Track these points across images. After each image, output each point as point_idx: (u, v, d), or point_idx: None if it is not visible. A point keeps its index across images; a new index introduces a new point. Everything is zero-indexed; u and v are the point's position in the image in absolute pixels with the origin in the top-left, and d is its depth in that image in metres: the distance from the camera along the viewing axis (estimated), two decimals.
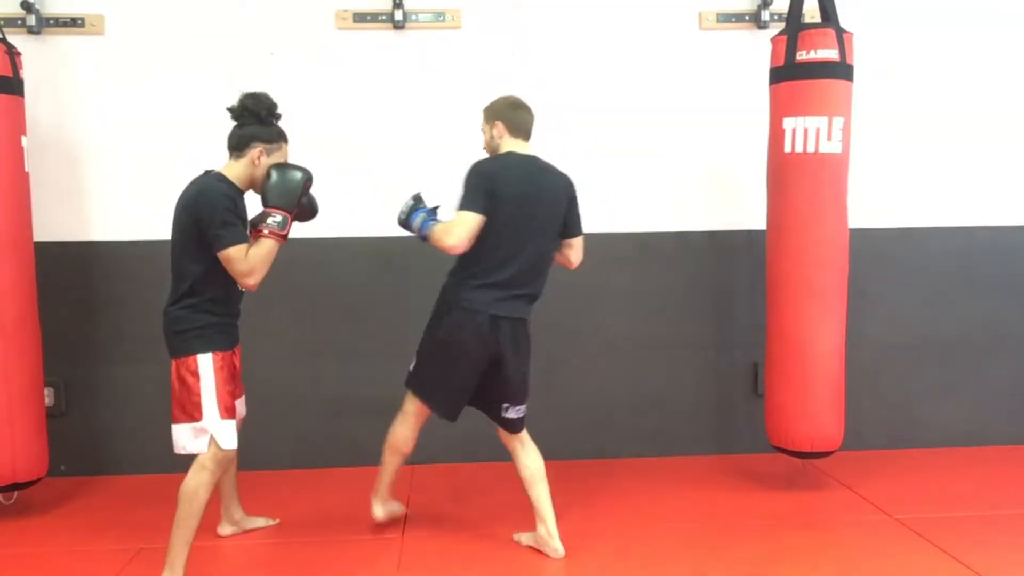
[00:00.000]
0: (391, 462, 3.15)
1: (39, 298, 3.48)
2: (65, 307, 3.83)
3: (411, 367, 3.06)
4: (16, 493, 3.42)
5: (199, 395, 2.69)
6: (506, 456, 4.00)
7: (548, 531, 3.03)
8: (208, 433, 2.70)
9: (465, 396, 3.03)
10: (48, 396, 3.73)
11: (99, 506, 3.59)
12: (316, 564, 3.00)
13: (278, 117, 2.84)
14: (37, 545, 3.20)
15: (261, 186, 2.77)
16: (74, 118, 3.88)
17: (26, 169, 3.43)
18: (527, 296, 2.98)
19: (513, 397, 3.02)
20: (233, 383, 2.84)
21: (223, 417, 2.71)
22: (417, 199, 3.04)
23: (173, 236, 2.75)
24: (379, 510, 3.21)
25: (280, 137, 2.82)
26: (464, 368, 2.96)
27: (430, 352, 3.00)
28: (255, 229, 2.71)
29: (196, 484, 2.70)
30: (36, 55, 3.75)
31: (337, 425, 4.02)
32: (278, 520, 3.35)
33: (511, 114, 2.99)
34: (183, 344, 2.72)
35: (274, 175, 2.75)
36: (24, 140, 3.42)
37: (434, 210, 3.00)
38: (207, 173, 2.81)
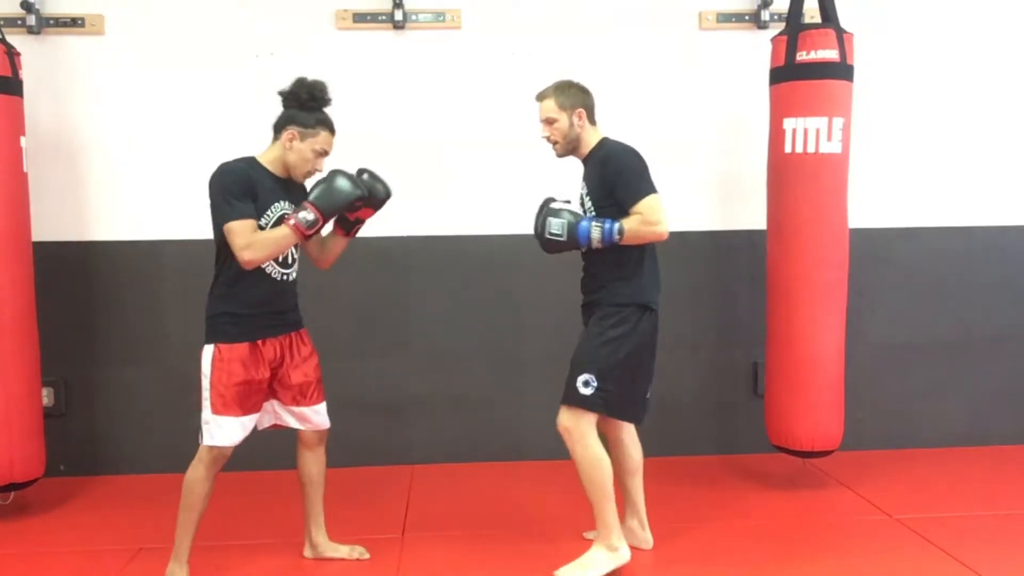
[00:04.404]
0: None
1: (38, 298, 3.48)
2: (64, 307, 3.82)
3: (580, 384, 2.78)
4: (12, 494, 3.42)
5: (201, 386, 2.70)
6: (506, 456, 4.02)
7: (639, 522, 3.08)
8: (203, 426, 2.71)
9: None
10: (47, 396, 3.72)
11: (98, 506, 3.58)
12: (316, 565, 3.00)
13: (321, 103, 2.77)
14: (36, 545, 3.20)
15: (303, 176, 2.76)
16: (74, 118, 3.87)
17: (25, 169, 3.43)
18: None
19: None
20: (246, 375, 2.69)
21: (216, 412, 2.68)
22: (566, 210, 2.80)
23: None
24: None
25: (320, 124, 2.74)
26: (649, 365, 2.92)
27: (624, 363, 2.81)
28: (285, 216, 2.68)
29: (192, 477, 2.74)
30: (36, 55, 3.74)
31: (337, 425, 4.00)
32: (367, 556, 3.04)
33: (590, 101, 2.93)
34: (206, 332, 2.73)
35: (328, 178, 2.70)
36: (24, 140, 3.42)
37: (585, 212, 2.88)
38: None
